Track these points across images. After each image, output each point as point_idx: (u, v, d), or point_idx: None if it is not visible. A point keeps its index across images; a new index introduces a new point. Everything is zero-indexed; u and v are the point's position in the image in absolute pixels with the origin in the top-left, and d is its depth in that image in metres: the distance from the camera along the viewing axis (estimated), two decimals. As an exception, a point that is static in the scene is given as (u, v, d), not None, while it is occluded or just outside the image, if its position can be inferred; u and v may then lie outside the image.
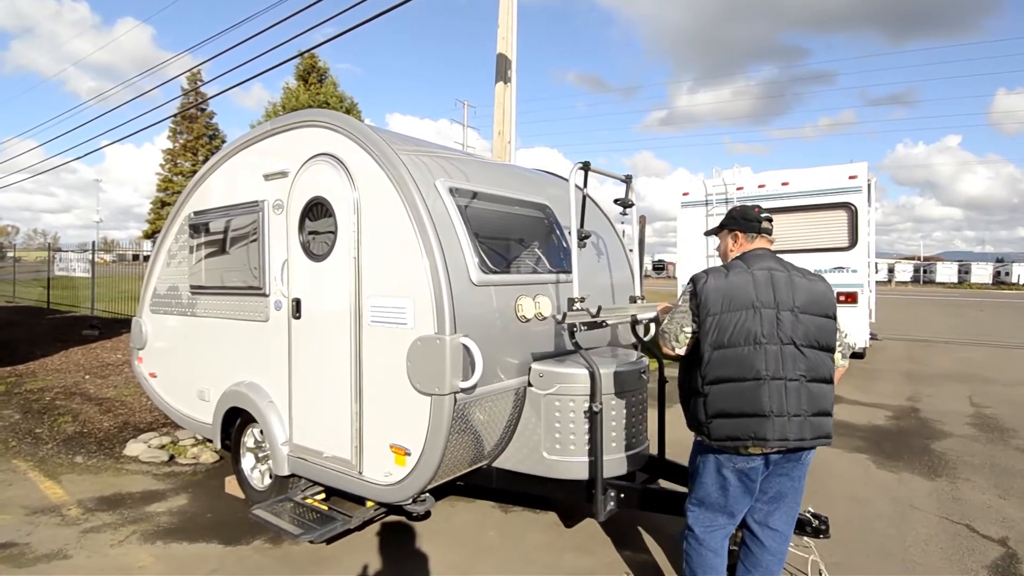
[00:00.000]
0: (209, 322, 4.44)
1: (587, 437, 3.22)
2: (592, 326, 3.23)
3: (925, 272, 52.04)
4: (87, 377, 8.00)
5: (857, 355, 9.91)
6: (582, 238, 3.44)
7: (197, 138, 40.29)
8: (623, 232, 4.73)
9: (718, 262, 2.74)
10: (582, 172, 3.56)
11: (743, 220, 2.65)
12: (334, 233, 3.42)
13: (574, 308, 3.21)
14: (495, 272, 3.31)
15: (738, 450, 2.37)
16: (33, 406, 6.60)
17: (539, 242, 3.95)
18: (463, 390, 2.96)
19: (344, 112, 21.48)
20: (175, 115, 36.76)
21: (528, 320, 3.42)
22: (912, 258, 64.63)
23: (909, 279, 51.60)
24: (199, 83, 32.89)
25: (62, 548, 3.50)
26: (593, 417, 3.15)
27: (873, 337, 10.46)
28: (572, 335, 3.26)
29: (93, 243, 15.65)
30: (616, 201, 3.80)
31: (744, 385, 2.33)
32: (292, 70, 24.51)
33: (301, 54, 19.94)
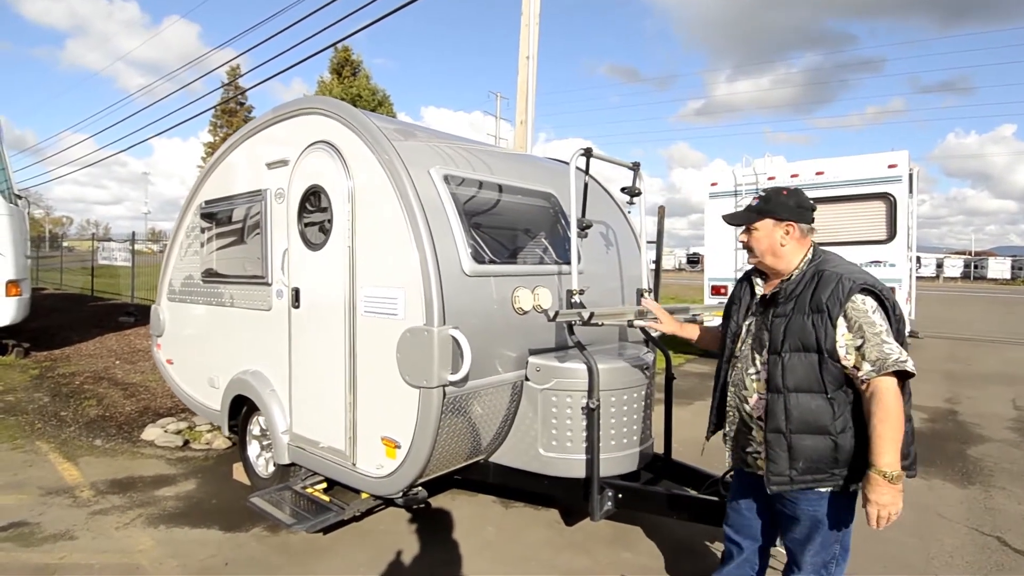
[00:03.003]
0: (218, 310, 4.48)
1: (584, 434, 3.12)
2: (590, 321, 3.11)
3: (976, 268, 49.62)
4: (117, 362, 8.25)
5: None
6: (583, 228, 3.31)
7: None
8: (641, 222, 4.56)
9: (744, 256, 2.43)
10: (585, 158, 3.42)
11: (799, 208, 2.17)
12: (330, 222, 3.38)
13: (572, 301, 3.11)
14: (490, 263, 3.21)
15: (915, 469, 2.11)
16: (62, 390, 6.83)
17: (544, 232, 3.83)
18: (452, 383, 2.88)
19: (376, 104, 21.64)
20: (215, 107, 37.58)
21: (526, 312, 3.31)
22: (963, 253, 61.72)
23: (959, 275, 49.30)
24: (238, 76, 33.55)
25: (69, 529, 3.58)
26: (590, 414, 3.04)
27: (913, 335, 9.99)
28: (571, 331, 3.15)
29: (133, 233, 16.17)
30: (623, 189, 3.66)
31: None
32: (327, 64, 24.81)
33: (333, 44, 20.12)
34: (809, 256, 2.18)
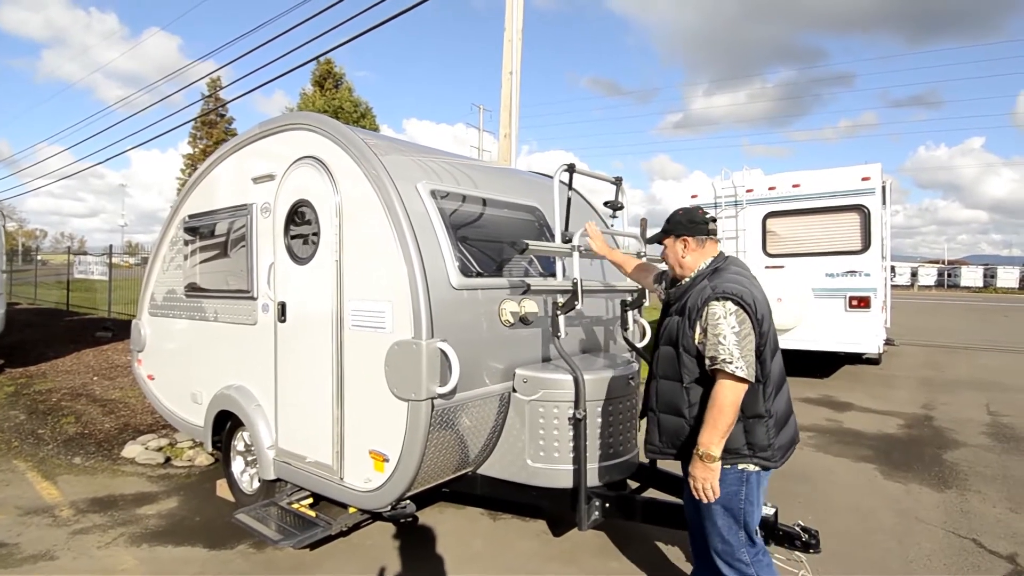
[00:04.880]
0: (202, 325, 4.44)
1: (571, 445, 3.15)
2: (570, 307, 3.22)
3: (949, 276, 50.72)
4: (95, 379, 8.10)
5: (872, 361, 9.70)
6: (566, 240, 3.37)
7: (216, 143, 40.78)
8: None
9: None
10: (568, 173, 3.49)
11: (691, 223, 2.49)
12: (317, 236, 3.39)
13: (558, 313, 3.16)
14: (477, 275, 3.25)
15: (776, 460, 2.30)
16: (39, 407, 6.69)
17: (529, 245, 3.88)
18: (441, 395, 2.90)
19: (358, 117, 21.60)
20: (195, 119, 37.30)
21: (513, 324, 3.35)
22: (936, 262, 63.04)
23: (933, 283, 50.36)
24: (218, 88, 33.39)
25: (50, 549, 3.51)
26: (577, 424, 3.08)
27: (889, 343, 10.19)
28: (555, 328, 3.21)
29: (110, 247, 15.91)
30: (606, 203, 3.73)
31: (783, 390, 2.39)
32: (309, 76, 24.78)
33: (316, 58, 20.12)
34: (704, 264, 2.45)
